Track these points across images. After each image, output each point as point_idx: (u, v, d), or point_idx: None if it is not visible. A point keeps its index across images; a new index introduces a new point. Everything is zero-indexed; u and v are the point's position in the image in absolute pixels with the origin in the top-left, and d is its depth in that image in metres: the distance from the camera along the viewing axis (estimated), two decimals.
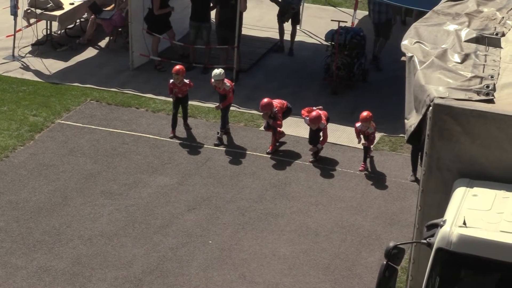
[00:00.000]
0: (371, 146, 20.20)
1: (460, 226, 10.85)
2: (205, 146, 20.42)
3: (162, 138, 20.75)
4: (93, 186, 18.82)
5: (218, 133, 20.95)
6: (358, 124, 19.79)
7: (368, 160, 20.03)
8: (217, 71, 20.51)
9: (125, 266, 16.36)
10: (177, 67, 20.75)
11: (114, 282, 15.93)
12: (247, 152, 20.03)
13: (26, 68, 24.21)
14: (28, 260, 16.43)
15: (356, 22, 24.52)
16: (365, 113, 19.53)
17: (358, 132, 19.93)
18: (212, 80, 20.57)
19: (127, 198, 18.47)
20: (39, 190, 18.51)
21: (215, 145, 20.53)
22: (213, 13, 24.57)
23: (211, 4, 24.13)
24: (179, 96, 20.91)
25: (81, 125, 21.31)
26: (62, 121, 21.50)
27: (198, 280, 16.05)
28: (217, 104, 21.27)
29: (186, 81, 20.87)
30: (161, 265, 16.43)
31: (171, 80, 20.70)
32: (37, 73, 23.94)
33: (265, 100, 20.25)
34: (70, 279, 15.99)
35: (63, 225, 17.43)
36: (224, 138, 20.64)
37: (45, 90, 22.94)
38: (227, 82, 20.68)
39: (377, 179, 19.33)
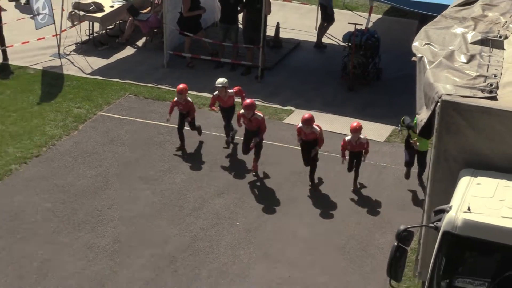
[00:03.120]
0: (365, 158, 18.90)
1: (465, 212, 10.94)
2: None
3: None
4: (132, 172, 18.96)
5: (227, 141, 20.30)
6: (347, 137, 18.44)
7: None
8: (221, 79, 19.75)
9: (161, 244, 16.51)
10: (181, 86, 19.87)
11: (151, 259, 16.08)
12: (270, 143, 20.00)
13: (70, 65, 24.31)
14: (74, 238, 16.63)
15: (370, 24, 24.45)
16: (355, 124, 18.35)
17: (345, 145, 18.46)
18: (216, 91, 19.91)
19: (162, 183, 18.60)
20: (82, 175, 18.68)
21: (224, 148, 20.31)
22: (240, 16, 24.56)
23: (239, 8, 24.16)
24: (183, 112, 20.04)
25: (120, 116, 21.46)
26: (103, 113, 21.64)
27: (226, 257, 16.18)
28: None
29: (189, 99, 20.06)
30: (192, 244, 16.57)
31: (175, 98, 19.94)
32: (80, 69, 24.05)
33: (249, 100, 19.00)
34: (111, 255, 16.17)
35: (104, 207, 17.60)
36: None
37: (88, 85, 23.09)
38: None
39: (389, 168, 19.35)
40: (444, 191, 12.13)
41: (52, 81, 23.25)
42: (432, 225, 11.53)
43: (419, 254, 13.39)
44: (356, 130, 18.08)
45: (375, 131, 21.01)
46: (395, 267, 11.58)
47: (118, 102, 22.29)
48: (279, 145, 20.29)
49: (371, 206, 17.95)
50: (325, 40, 26.17)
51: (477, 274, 11.21)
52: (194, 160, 19.52)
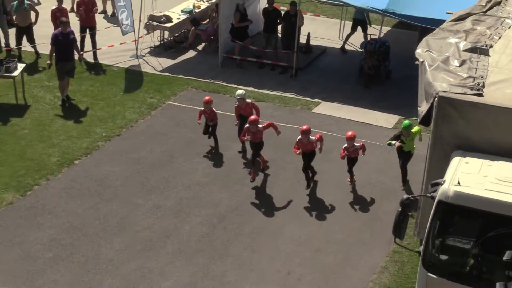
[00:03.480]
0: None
1: (456, 185, 10.98)
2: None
3: None
4: (192, 149, 18.97)
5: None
6: (345, 145, 17.43)
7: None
8: (240, 91, 18.83)
9: (214, 206, 16.58)
10: (207, 98, 19.02)
11: (206, 217, 16.19)
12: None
13: (145, 64, 24.28)
14: (146, 200, 16.76)
15: (382, 35, 24.33)
16: (349, 133, 17.35)
17: (344, 151, 17.41)
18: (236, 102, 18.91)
19: (216, 158, 18.65)
20: (154, 150, 18.75)
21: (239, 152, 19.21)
22: (279, 27, 24.52)
23: (278, 21, 24.13)
24: (210, 123, 19.07)
25: (184, 105, 21.45)
26: (171, 102, 21.66)
27: (264, 218, 16.30)
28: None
29: (214, 109, 18.95)
30: (239, 206, 16.61)
31: (202, 108, 18.95)
32: (153, 67, 24.02)
33: (253, 117, 17.76)
34: (174, 214, 16.32)
35: (170, 176, 17.63)
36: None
37: (158, 80, 23.08)
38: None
39: (395, 150, 19.20)
40: (439, 168, 12.11)
41: (131, 77, 23.29)
42: (429, 195, 11.54)
43: (418, 218, 13.41)
44: (351, 138, 17.17)
45: (385, 120, 20.89)
46: (399, 228, 11.63)
47: (182, 93, 22.26)
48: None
49: (381, 179, 17.84)
50: (346, 47, 26.05)
51: (464, 235, 11.22)
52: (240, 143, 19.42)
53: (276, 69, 24.01)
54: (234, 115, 19.09)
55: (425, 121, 12.64)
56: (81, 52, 22.88)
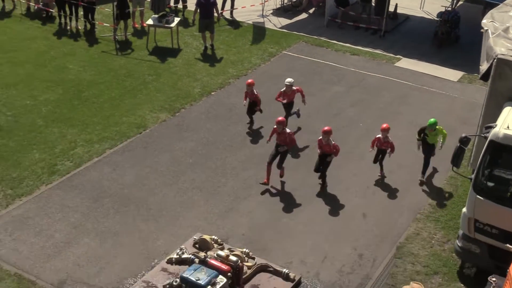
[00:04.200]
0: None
1: (505, 129, 10.80)
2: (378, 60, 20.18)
3: (339, 66, 20.46)
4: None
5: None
6: (378, 135, 14.74)
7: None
8: (289, 79, 16.18)
9: (315, 132, 16.38)
10: (249, 80, 16.52)
11: (311, 143, 16.18)
12: (383, 77, 19.71)
13: (268, 22, 24.18)
14: (264, 123, 16.85)
15: (455, 6, 23.54)
16: (384, 125, 14.66)
17: (375, 141, 14.83)
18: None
19: (321, 97, 18.53)
20: (270, 88, 18.41)
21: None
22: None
23: None
24: (251, 101, 16.52)
25: (296, 55, 21.29)
26: (286, 52, 21.51)
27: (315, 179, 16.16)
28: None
29: (255, 92, 16.36)
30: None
31: (245, 90, 16.48)
32: (274, 25, 23.90)
33: (280, 118, 14.34)
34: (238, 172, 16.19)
35: (281, 106, 17.54)
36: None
37: (277, 34, 22.97)
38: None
39: (458, 99, 18.67)
40: (492, 115, 11.80)
41: (257, 31, 23.26)
42: (482, 135, 11.37)
43: (472, 152, 13.15)
44: (385, 130, 14.59)
45: (452, 74, 20.27)
46: (456, 159, 11.53)
47: (294, 46, 22.06)
48: (390, 79, 19.82)
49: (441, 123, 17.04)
50: (424, 15, 25.29)
51: (508, 168, 11.12)
52: (337, 83, 19.15)
53: (368, 30, 23.57)
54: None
55: (485, 77, 12.21)
56: (220, 11, 23.03)
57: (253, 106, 16.57)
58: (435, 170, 15.24)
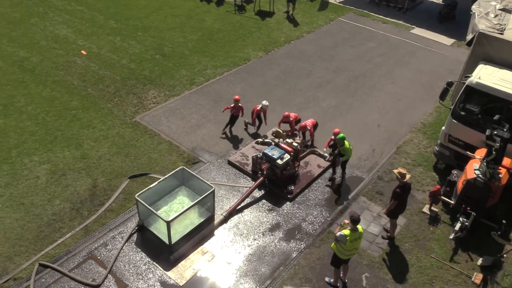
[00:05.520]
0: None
1: (477, 79, 10.34)
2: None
3: (373, 29, 19.25)
4: (346, 42, 17.89)
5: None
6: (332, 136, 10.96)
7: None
8: (265, 102, 11.97)
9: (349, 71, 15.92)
10: (236, 97, 12.09)
11: (348, 76, 15.55)
12: (400, 38, 18.58)
13: None
14: (320, 62, 16.15)
15: None
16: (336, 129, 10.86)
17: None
18: None
19: (359, 49, 17.63)
20: (327, 41, 17.68)
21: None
22: None
23: None
24: (234, 115, 12.18)
25: (346, 21, 20.14)
26: (340, 19, 20.33)
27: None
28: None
29: (240, 104, 12.13)
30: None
31: (232, 105, 12.12)
32: (334, 0, 22.36)
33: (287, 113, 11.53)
34: (304, 92, 15.56)
35: (337, 51, 16.86)
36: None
37: (336, 7, 21.57)
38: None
39: (446, 57, 17.37)
40: (470, 69, 11.24)
41: (323, 4, 21.90)
42: (462, 81, 10.96)
43: (453, 92, 12.55)
44: (335, 134, 10.71)
45: (447, 40, 18.75)
46: (443, 95, 11.08)
47: (347, 15, 20.78)
48: (406, 41, 18.54)
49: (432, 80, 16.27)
50: (435, 0, 23.23)
51: (476, 104, 10.64)
52: (372, 40, 18.01)
53: (395, 8, 21.94)
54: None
55: (469, 43, 11.57)
56: None
57: (234, 119, 12.14)
58: (428, 103, 14.64)
